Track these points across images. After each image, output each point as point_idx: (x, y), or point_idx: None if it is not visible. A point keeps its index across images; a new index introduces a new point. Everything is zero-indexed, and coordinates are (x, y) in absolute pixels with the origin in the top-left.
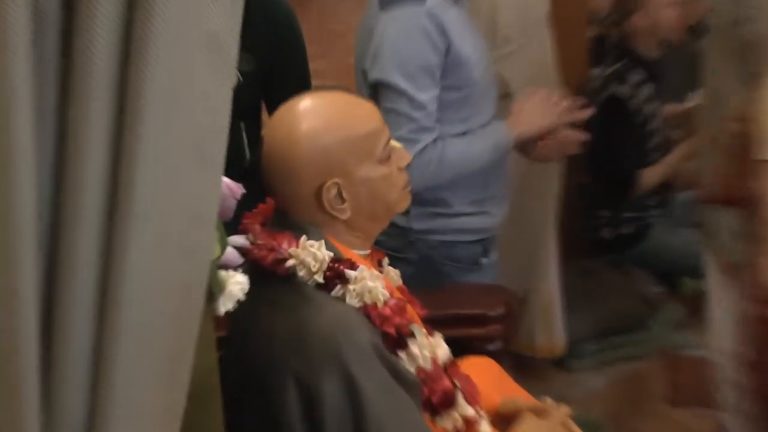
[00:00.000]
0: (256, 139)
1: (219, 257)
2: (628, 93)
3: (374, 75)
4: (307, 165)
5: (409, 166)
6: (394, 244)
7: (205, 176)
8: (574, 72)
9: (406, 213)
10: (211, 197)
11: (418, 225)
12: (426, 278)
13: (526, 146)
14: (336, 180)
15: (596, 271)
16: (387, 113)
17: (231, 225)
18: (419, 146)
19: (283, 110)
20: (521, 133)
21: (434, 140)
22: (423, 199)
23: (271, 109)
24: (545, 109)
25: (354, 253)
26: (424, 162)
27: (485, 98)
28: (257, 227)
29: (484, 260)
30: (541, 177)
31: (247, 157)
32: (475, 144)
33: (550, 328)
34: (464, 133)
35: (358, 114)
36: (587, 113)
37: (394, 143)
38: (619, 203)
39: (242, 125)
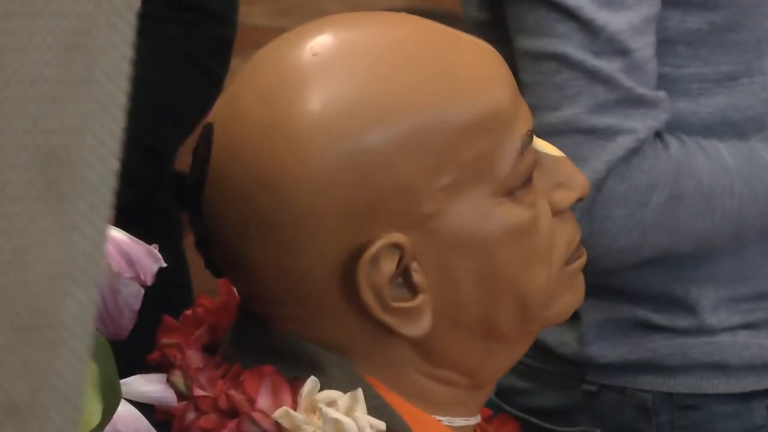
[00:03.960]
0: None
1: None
2: None
3: None
4: (325, 198)
5: (588, 202)
6: (545, 400)
7: (58, 221)
8: None
9: (576, 324)
10: (77, 272)
11: (605, 353)
12: None
13: None
14: (395, 237)
15: None
16: (526, 68)
17: (132, 345)
18: (621, 148)
19: (264, 59)
20: None
21: (657, 134)
22: (621, 287)
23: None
24: None
25: (440, 425)
26: (635, 187)
27: None
28: (193, 354)
29: None
30: None
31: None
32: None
33: None
34: (730, 122)
35: (449, 70)
36: None
37: (543, 146)
38: None
39: None
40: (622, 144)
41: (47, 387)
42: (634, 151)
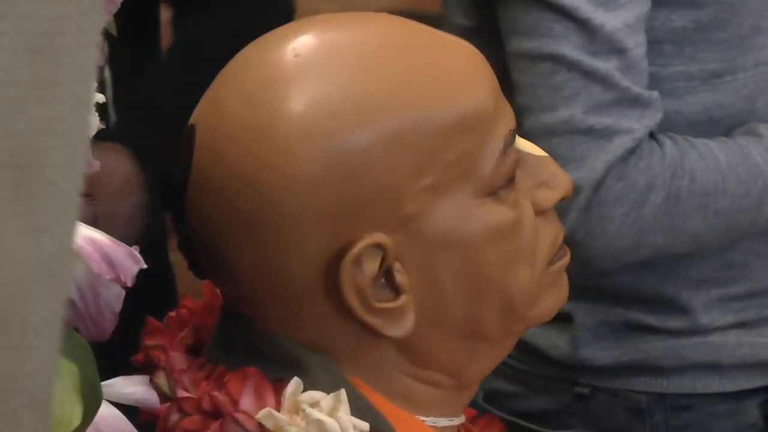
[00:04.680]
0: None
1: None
2: None
3: None
4: (309, 199)
5: (574, 202)
6: (537, 403)
7: (26, 224)
8: None
9: (566, 324)
10: (46, 274)
11: (597, 356)
12: None
13: None
14: (377, 237)
15: None
16: (522, 70)
17: (115, 348)
18: (619, 148)
19: (246, 60)
20: None
21: (651, 134)
22: (614, 289)
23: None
24: None
25: (423, 425)
26: (633, 187)
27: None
28: (177, 356)
29: None
30: None
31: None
32: (760, 160)
33: None
34: (713, 120)
35: (432, 71)
36: None
37: (525, 146)
38: None
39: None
40: (619, 144)
41: (17, 390)
42: (632, 151)
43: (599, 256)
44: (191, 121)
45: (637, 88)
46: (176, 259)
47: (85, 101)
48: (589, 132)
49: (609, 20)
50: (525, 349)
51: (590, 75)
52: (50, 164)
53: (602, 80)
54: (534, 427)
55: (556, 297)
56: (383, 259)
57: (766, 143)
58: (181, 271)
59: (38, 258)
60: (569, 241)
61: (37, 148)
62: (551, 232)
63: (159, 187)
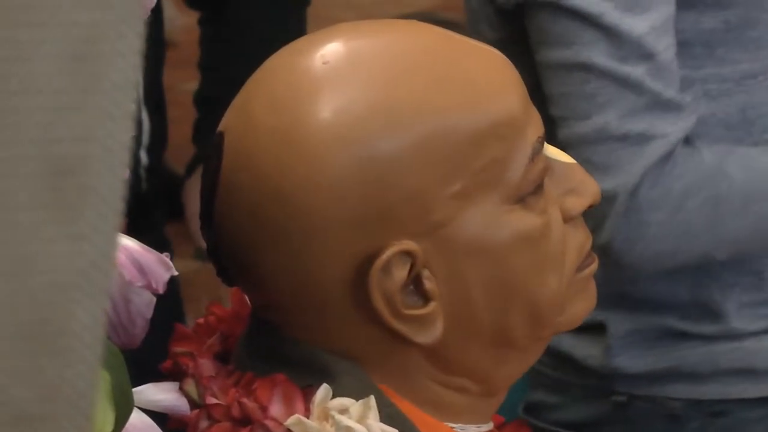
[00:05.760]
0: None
1: None
2: None
3: None
4: (336, 205)
5: (612, 208)
6: (575, 413)
7: (65, 231)
8: None
9: (602, 336)
10: (86, 281)
11: (633, 364)
12: None
13: None
14: (406, 244)
15: None
16: (553, 80)
17: (144, 355)
18: (655, 153)
19: (275, 67)
20: None
21: (687, 138)
22: (646, 296)
23: (218, 63)
24: None
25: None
26: (669, 192)
27: None
28: (206, 363)
29: None
30: None
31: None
32: None
33: None
34: (748, 120)
35: (461, 78)
36: None
37: (553, 153)
38: None
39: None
40: (655, 149)
41: (57, 396)
42: (667, 156)
43: (639, 262)
44: (220, 128)
45: (669, 92)
46: (181, 268)
47: (125, 108)
48: (624, 138)
49: (636, 25)
50: (561, 359)
51: (621, 81)
52: (90, 171)
53: (634, 86)
54: None
55: (584, 304)
56: (412, 266)
57: None
58: (210, 277)
59: (78, 265)
60: (608, 247)
61: (76, 155)
62: (579, 239)
63: (160, 197)
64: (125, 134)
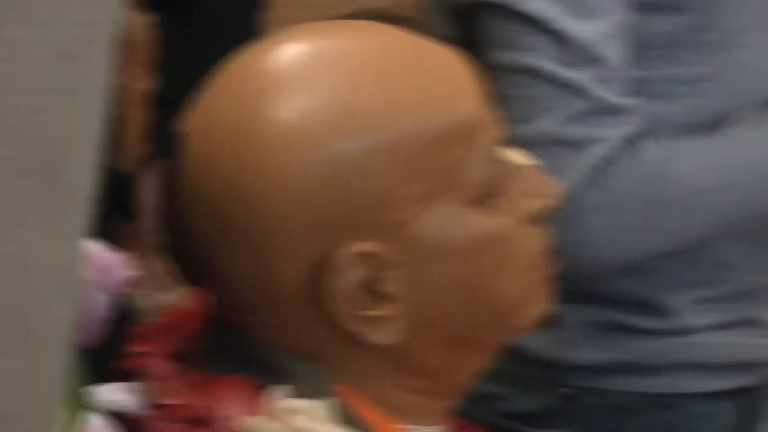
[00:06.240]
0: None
1: None
2: None
3: None
4: (296, 205)
5: (566, 211)
6: (523, 404)
7: (45, 230)
8: None
9: (554, 328)
10: (59, 282)
11: (582, 356)
12: None
13: None
14: (365, 245)
15: None
16: (500, 82)
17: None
18: (594, 157)
19: (239, 67)
20: None
21: (631, 140)
22: (598, 291)
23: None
24: None
25: None
26: (611, 195)
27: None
28: (163, 363)
29: None
30: None
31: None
32: (748, 146)
33: None
34: (705, 122)
35: (422, 80)
36: None
37: (514, 155)
38: None
39: None
40: (595, 153)
41: (34, 395)
42: (608, 159)
43: (584, 264)
44: (182, 128)
45: (615, 98)
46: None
47: (100, 109)
48: (565, 143)
49: (583, 31)
50: (511, 350)
51: (565, 86)
52: (67, 171)
53: (577, 91)
54: (521, 427)
55: (542, 304)
56: (370, 267)
57: (755, 125)
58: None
59: (55, 266)
60: (556, 250)
61: (56, 155)
62: (538, 240)
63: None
64: (97, 135)
